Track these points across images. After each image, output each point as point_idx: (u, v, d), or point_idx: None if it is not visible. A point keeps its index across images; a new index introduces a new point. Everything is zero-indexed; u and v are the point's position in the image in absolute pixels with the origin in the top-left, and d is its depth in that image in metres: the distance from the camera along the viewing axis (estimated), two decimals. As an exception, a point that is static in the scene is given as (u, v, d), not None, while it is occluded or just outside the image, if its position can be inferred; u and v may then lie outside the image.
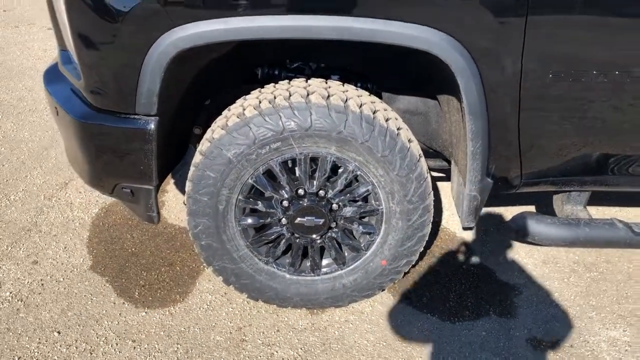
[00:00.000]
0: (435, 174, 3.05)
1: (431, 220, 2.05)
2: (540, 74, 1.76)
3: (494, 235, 2.71)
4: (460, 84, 1.76)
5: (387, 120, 1.90)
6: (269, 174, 1.96)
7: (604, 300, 2.33)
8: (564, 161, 2.00)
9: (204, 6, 1.65)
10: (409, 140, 1.94)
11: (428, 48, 1.71)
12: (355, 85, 2.18)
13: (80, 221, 2.73)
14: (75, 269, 2.41)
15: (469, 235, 2.70)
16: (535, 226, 2.07)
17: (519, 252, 2.59)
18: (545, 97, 1.81)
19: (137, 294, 2.29)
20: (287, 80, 2.03)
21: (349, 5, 1.67)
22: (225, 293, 2.30)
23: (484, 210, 2.86)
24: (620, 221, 2.09)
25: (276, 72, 2.25)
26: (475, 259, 2.55)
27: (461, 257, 2.56)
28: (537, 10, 1.65)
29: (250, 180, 1.94)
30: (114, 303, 2.24)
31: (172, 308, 2.23)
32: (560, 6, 1.66)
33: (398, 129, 1.91)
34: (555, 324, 2.20)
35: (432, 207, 2.03)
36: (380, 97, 2.35)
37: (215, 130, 1.90)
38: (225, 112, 1.96)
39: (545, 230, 2.06)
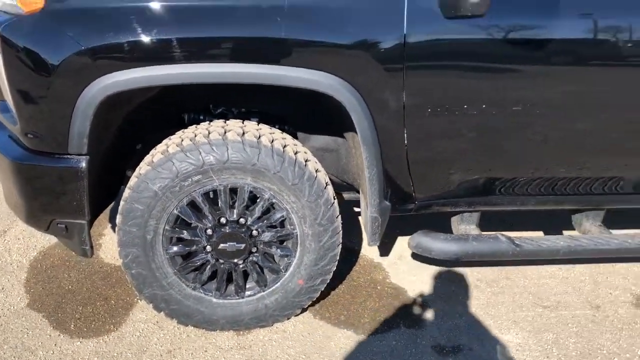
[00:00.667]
0: (357, 208, 3.33)
1: (340, 241, 2.31)
2: (420, 109, 2.09)
3: (408, 258, 2.98)
4: (354, 120, 2.07)
5: (296, 153, 2.18)
6: (193, 205, 2.19)
7: (501, 310, 2.62)
8: (451, 185, 2.31)
9: (124, 57, 1.91)
10: (316, 170, 2.21)
11: (325, 90, 2.02)
12: (273, 127, 2.46)
13: (18, 264, 2.85)
14: (12, 307, 2.53)
15: (385, 260, 2.97)
16: (431, 242, 2.37)
17: (429, 272, 2.87)
18: (426, 128, 2.14)
19: (72, 326, 2.42)
20: (208, 122, 2.29)
21: (258, 54, 1.97)
22: (157, 321, 2.47)
23: (403, 236, 3.15)
24: (504, 235, 2.41)
25: (201, 117, 2.52)
26: (389, 280, 2.81)
27: (377, 278, 2.82)
28: (412, 57, 1.99)
29: (175, 211, 2.16)
30: (50, 335, 2.36)
31: (106, 337, 2.37)
32: (431, 54, 2.01)
33: (306, 160, 2.19)
34: (457, 332, 2.46)
35: (340, 229, 2.29)
36: (296, 137, 2.64)
37: (142, 166, 2.13)
38: (152, 151, 2.20)
39: (439, 245, 2.36)
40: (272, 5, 1.93)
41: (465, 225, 2.53)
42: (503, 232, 2.45)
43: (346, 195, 2.85)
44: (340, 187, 2.73)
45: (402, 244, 3.11)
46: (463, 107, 2.10)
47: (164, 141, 2.21)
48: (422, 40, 1.98)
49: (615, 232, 2.57)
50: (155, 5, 1.90)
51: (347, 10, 1.97)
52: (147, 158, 2.16)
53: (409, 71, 2.00)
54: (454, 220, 2.60)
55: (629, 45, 2.06)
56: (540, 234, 3.17)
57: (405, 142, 2.15)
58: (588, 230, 2.56)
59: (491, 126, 2.16)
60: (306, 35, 1.97)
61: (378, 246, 2.97)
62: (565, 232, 2.96)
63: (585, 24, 2.03)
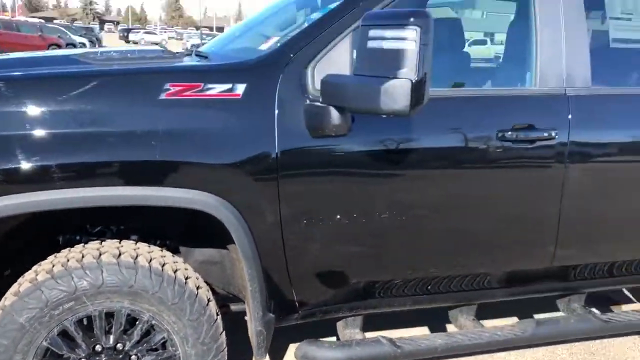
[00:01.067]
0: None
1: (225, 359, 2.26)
2: (297, 221, 2.18)
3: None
4: (233, 236, 2.11)
5: (175, 271, 2.16)
6: (65, 334, 2.06)
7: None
8: (332, 292, 2.38)
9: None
10: (198, 287, 2.20)
11: (202, 208, 2.06)
12: (154, 244, 2.43)
13: None
14: None
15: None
16: (316, 351, 2.38)
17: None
18: (304, 239, 2.22)
19: None
20: (82, 244, 2.22)
21: (135, 176, 1.99)
22: None
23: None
24: (385, 337, 2.49)
25: (78, 238, 2.44)
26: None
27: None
28: (285, 174, 2.11)
29: (44, 343, 2.02)
30: None
31: None
32: (302, 170, 2.14)
33: (187, 277, 2.17)
34: None
35: (224, 346, 2.25)
36: (178, 252, 2.62)
37: (8, 297, 2.00)
38: (19, 279, 2.08)
39: (324, 354, 2.38)
40: (147, 130, 1.99)
41: (350, 329, 2.59)
42: (384, 334, 2.52)
43: (234, 307, 2.82)
44: (227, 298, 2.70)
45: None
46: (336, 217, 2.23)
47: (34, 267, 2.11)
48: (293, 158, 2.11)
49: (487, 323, 2.75)
50: (33, 132, 1.90)
51: (222, 133, 2.07)
52: (14, 287, 2.04)
53: (283, 187, 2.11)
54: (339, 325, 2.65)
55: (479, 151, 2.32)
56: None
57: (285, 254, 2.22)
58: (463, 325, 2.71)
59: (364, 233, 2.30)
60: (182, 157, 2.03)
61: (270, 356, 2.93)
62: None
63: (437, 136, 2.28)
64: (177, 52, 3.11)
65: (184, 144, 2.03)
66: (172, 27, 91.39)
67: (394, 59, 1.80)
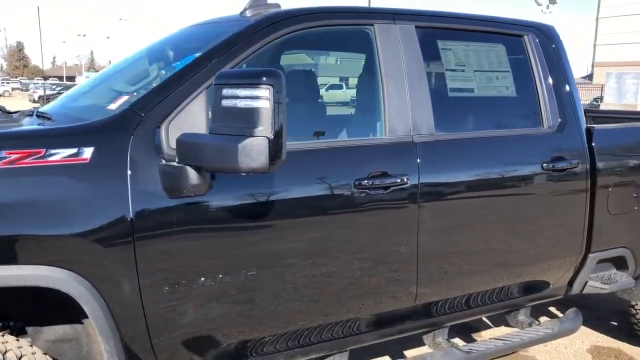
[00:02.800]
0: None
1: None
2: (158, 287, 2.06)
3: None
4: (87, 312, 1.94)
5: (20, 357, 1.92)
6: None
7: None
8: (202, 354, 2.27)
9: None
10: (48, 373, 1.97)
11: (48, 284, 1.87)
12: None
13: None
14: None
15: None
16: None
17: None
18: (167, 306, 2.10)
19: None
20: None
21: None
22: None
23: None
24: None
25: None
26: None
27: None
28: (141, 236, 1.99)
29: None
30: None
31: None
32: (160, 233, 2.04)
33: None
34: None
35: None
36: (25, 333, 2.34)
37: None
38: None
39: None
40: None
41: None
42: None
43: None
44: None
45: None
46: (200, 280, 2.14)
47: None
48: (149, 220, 2.01)
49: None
50: None
51: (68, 201, 1.92)
52: None
53: (140, 252, 1.99)
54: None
55: (339, 200, 2.39)
56: None
57: (147, 324, 2.07)
58: None
59: (232, 293, 2.23)
60: (21, 230, 1.85)
61: None
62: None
63: (298, 188, 2.31)
64: (16, 113, 2.87)
65: (24, 216, 1.85)
66: (16, 77, 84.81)
67: (249, 117, 1.80)
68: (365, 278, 2.56)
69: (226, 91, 1.84)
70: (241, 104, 1.82)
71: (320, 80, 3.39)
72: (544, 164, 2.92)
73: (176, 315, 2.14)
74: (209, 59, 2.25)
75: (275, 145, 1.81)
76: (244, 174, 1.88)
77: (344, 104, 3.57)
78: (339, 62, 4.29)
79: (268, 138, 1.79)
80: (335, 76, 5.43)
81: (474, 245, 2.82)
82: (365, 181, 2.42)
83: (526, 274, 3.09)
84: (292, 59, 3.28)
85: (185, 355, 2.22)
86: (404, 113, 2.59)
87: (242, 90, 1.81)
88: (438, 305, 2.83)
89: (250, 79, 1.81)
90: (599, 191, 3.15)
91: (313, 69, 3.36)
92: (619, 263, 3.43)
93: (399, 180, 2.48)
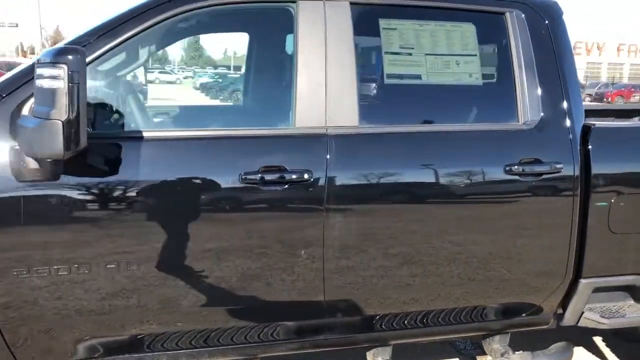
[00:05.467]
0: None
1: None
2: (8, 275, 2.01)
3: None
4: None
5: None
6: None
7: None
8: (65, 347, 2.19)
9: None
10: None
11: None
12: None
13: None
14: None
15: None
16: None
17: None
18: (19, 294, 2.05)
19: None
20: None
21: None
22: None
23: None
24: None
25: None
26: None
27: None
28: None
29: None
30: None
31: None
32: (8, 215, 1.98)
33: None
34: None
35: None
36: None
37: None
38: None
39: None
40: None
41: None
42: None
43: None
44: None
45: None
46: (54, 267, 2.05)
47: None
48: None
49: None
50: None
51: None
52: None
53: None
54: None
55: (220, 194, 2.17)
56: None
57: None
58: None
59: (87, 286, 2.11)
60: None
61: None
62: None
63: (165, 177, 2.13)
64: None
65: None
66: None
67: (47, 98, 1.67)
68: (272, 283, 2.31)
69: (38, 70, 1.73)
70: (45, 83, 1.69)
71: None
72: (510, 167, 2.42)
73: (30, 306, 2.08)
74: (90, 36, 2.14)
75: (70, 130, 1.65)
76: (50, 160, 1.75)
77: (253, 90, 3.24)
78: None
79: (62, 121, 1.64)
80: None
81: (400, 261, 2.40)
82: (253, 176, 2.16)
83: (494, 296, 2.61)
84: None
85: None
86: (318, 101, 2.28)
87: (44, 69, 1.69)
88: (383, 320, 2.49)
89: (50, 57, 1.68)
90: (596, 203, 2.55)
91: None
92: (638, 294, 2.77)
93: (294, 177, 2.19)
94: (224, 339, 2.39)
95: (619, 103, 27.39)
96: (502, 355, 2.74)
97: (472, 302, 2.60)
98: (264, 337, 2.43)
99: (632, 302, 2.79)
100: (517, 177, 2.44)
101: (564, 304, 2.72)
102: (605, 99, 32.90)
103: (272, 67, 2.79)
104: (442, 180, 2.39)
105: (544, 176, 2.46)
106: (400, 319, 2.54)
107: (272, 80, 2.82)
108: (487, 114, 2.61)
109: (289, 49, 2.31)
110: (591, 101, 33.25)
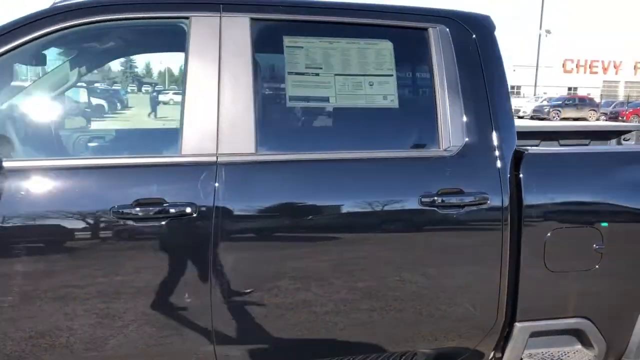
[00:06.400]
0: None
1: None
2: None
3: None
4: None
5: None
6: None
7: None
8: None
9: None
10: None
11: None
12: None
13: None
14: None
15: None
16: None
17: None
18: None
19: None
20: None
21: None
22: None
23: None
24: None
25: None
26: None
27: None
28: None
29: None
30: None
31: None
32: None
33: None
34: None
35: None
36: None
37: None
38: None
39: None
40: None
41: None
42: None
43: None
44: None
45: None
46: None
47: None
48: None
49: None
50: None
51: None
52: None
53: None
54: None
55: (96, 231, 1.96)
56: None
57: None
58: None
59: None
60: None
61: None
62: None
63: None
64: None
65: None
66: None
67: None
68: (152, 326, 2.07)
69: None
70: None
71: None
72: (425, 199, 2.17)
73: None
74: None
75: None
76: None
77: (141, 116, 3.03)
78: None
79: None
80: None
81: (300, 302, 2.15)
82: (128, 210, 1.95)
83: (419, 340, 2.35)
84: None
85: None
86: (209, 126, 2.07)
87: None
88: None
89: None
90: (529, 238, 2.29)
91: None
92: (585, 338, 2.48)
93: (174, 210, 1.97)
94: None
95: (633, 123, 26.75)
96: (431, 404, 2.46)
97: (397, 347, 2.34)
98: None
99: (579, 346, 2.50)
100: (435, 209, 2.19)
101: (504, 349, 2.44)
102: (620, 118, 32.27)
103: (170, 88, 2.59)
104: (348, 212, 2.15)
105: (467, 208, 2.21)
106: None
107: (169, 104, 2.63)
108: (404, 139, 2.36)
109: (183, 69, 2.09)
110: (606, 120, 32.66)
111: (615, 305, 2.43)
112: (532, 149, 2.38)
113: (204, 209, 2.00)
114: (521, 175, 2.28)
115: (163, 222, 1.98)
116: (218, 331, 2.08)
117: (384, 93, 2.29)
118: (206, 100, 2.08)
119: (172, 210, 1.97)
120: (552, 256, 2.30)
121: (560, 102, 34.64)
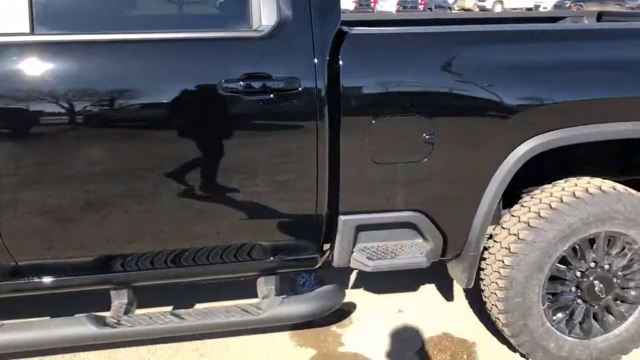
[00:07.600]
0: None
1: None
2: None
3: None
4: None
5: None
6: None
7: None
8: None
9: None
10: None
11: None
12: None
13: None
14: None
15: None
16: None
17: None
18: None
19: None
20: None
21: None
22: None
23: None
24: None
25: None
26: None
27: None
28: None
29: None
30: None
31: None
32: None
33: None
34: None
35: None
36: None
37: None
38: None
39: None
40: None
41: None
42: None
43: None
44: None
45: None
46: None
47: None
48: None
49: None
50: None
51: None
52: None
53: None
54: None
55: None
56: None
57: None
58: None
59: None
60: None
61: None
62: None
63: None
64: None
65: None
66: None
67: None
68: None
69: None
70: None
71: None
72: (228, 84, 1.99)
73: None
74: None
75: None
76: None
77: None
78: None
79: None
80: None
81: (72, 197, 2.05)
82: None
83: (246, 234, 2.26)
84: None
85: None
86: None
87: None
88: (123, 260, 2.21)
89: None
90: (349, 129, 2.12)
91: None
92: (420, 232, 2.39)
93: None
94: None
95: None
96: (262, 298, 2.44)
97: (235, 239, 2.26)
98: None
99: (420, 240, 2.41)
100: (238, 96, 2.01)
101: (327, 244, 2.37)
102: (646, 13, 30.05)
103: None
104: (136, 104, 1.98)
105: (274, 94, 2.03)
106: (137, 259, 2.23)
107: None
108: (214, 18, 2.14)
109: None
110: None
111: (451, 199, 2.30)
112: (357, 29, 2.14)
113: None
114: (340, 58, 2.07)
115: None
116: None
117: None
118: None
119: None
120: (376, 147, 2.14)
121: (583, -5, 32.37)
